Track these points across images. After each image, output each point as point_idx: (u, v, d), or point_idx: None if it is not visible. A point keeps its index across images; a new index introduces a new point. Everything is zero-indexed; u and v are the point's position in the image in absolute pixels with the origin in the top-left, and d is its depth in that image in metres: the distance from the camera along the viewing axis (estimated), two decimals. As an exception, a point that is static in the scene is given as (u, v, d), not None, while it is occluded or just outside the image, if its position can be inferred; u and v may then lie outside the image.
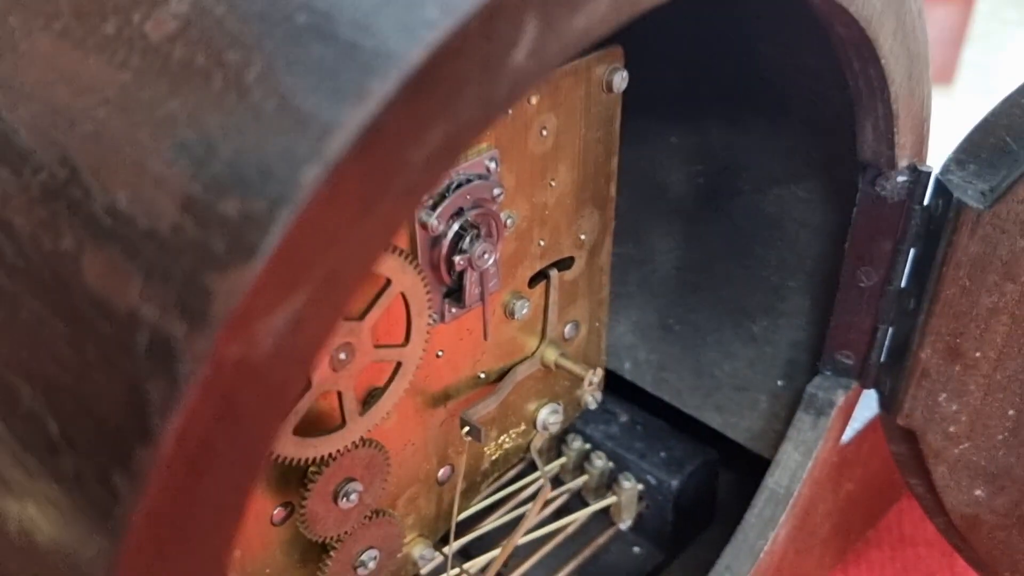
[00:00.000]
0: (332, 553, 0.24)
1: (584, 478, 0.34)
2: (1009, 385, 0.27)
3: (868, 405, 0.31)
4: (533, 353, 0.28)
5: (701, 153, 0.33)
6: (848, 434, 0.32)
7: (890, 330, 0.28)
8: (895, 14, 0.22)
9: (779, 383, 0.32)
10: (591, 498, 0.34)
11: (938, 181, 0.26)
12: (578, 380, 0.29)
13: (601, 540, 0.34)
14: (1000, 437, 0.28)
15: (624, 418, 0.36)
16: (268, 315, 0.12)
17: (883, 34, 0.22)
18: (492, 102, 0.13)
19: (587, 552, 0.33)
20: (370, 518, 0.24)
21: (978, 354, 0.27)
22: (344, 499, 0.23)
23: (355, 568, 0.24)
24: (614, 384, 0.36)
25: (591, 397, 0.32)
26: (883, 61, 0.22)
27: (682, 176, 0.33)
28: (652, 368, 0.36)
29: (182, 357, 0.12)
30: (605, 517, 0.34)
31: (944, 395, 0.28)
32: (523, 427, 0.30)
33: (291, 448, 0.21)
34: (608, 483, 0.34)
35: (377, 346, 0.22)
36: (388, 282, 0.21)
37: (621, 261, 0.36)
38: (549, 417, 0.30)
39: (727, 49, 0.30)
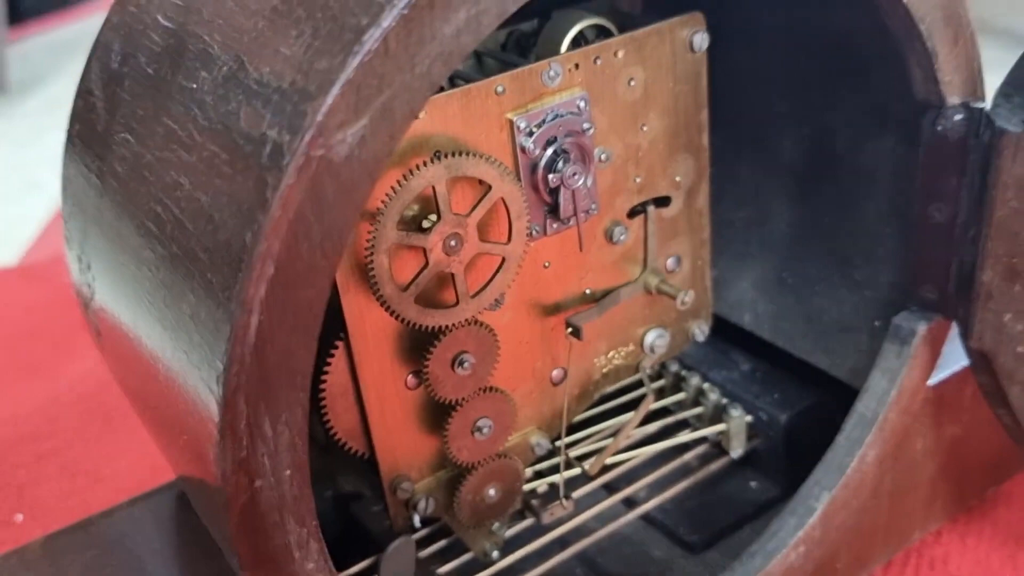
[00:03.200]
0: (453, 414, 0.30)
1: (699, 408, 0.38)
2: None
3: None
4: (636, 279, 0.33)
5: (804, 118, 0.37)
6: (944, 373, 0.35)
7: (959, 261, 0.31)
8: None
9: (876, 323, 0.35)
10: (706, 426, 0.38)
11: (986, 114, 0.29)
12: (678, 306, 0.34)
13: (714, 467, 0.38)
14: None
15: (746, 366, 0.40)
16: (341, 130, 0.19)
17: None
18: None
19: (700, 475, 0.38)
20: (485, 391, 0.30)
21: (1032, 272, 0.29)
22: (459, 367, 0.29)
23: (472, 432, 0.30)
24: (737, 336, 0.40)
25: (698, 329, 0.36)
26: (920, 27, 0.26)
27: (790, 141, 0.38)
28: (769, 318, 0.39)
29: (287, 154, 0.19)
30: (719, 450, 0.38)
31: (1009, 315, 0.30)
32: (631, 347, 0.35)
33: (414, 313, 0.27)
34: (720, 415, 0.38)
35: (483, 240, 0.28)
36: (489, 187, 0.27)
37: (744, 224, 0.40)
38: (656, 340, 0.35)
39: (815, 22, 0.34)
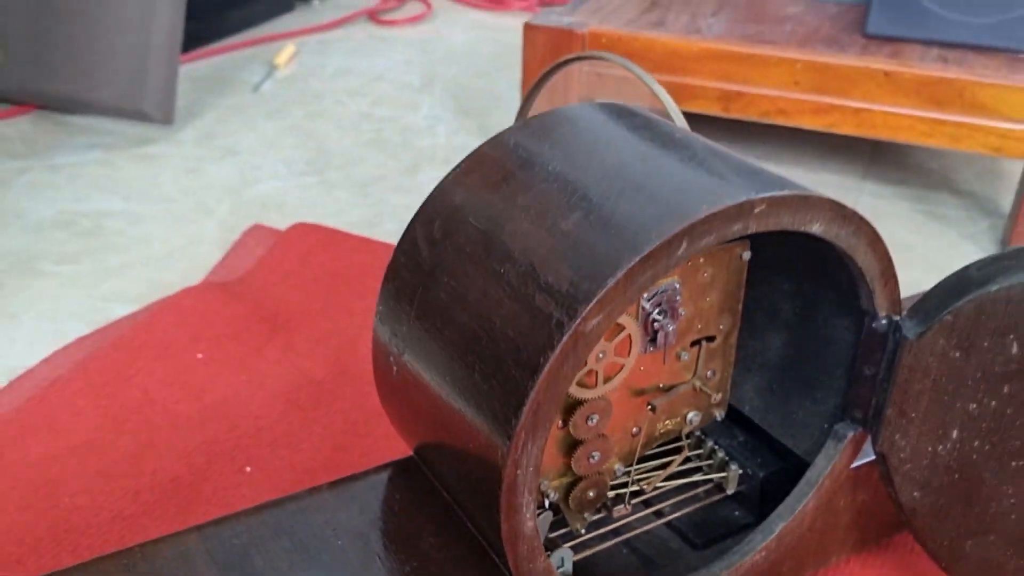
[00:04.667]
0: (580, 446, 0.53)
1: (710, 460, 0.61)
2: (930, 433, 0.52)
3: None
4: (688, 380, 0.57)
5: (798, 295, 0.60)
6: (861, 461, 0.58)
7: (876, 400, 0.54)
8: (867, 240, 0.49)
9: (825, 425, 0.59)
10: (714, 473, 0.61)
11: (899, 324, 0.52)
12: (709, 399, 0.57)
13: (715, 498, 0.61)
14: (925, 462, 0.53)
15: (741, 438, 0.63)
16: (590, 319, 0.42)
17: (857, 252, 0.49)
18: (669, 265, 0.43)
19: (706, 502, 0.61)
20: (599, 436, 0.53)
21: (913, 414, 0.52)
22: (589, 421, 0.52)
23: (587, 458, 0.53)
24: (739, 417, 0.64)
25: (717, 413, 0.59)
26: (859, 264, 0.50)
27: (787, 307, 0.61)
28: (760, 410, 0.63)
29: (567, 327, 0.42)
30: (719, 488, 0.61)
31: (897, 435, 0.53)
32: (678, 419, 0.58)
33: (574, 389, 0.51)
34: (722, 467, 0.61)
35: (616, 355, 0.51)
36: (622, 327, 0.51)
37: (752, 351, 0.63)
38: (693, 417, 0.58)
39: (811, 253, 0.57)
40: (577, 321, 0.42)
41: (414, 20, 1.75)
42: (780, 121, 1.07)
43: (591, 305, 0.42)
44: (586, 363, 0.49)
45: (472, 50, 1.63)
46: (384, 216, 1.07)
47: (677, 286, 0.53)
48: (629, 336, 0.51)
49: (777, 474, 0.61)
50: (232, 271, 0.93)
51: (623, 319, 0.50)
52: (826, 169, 1.24)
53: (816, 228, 0.47)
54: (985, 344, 0.49)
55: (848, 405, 0.56)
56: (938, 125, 1.01)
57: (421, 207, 0.52)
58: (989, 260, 0.49)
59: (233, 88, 1.42)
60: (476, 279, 0.47)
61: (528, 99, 0.75)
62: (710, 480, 0.61)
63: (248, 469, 0.68)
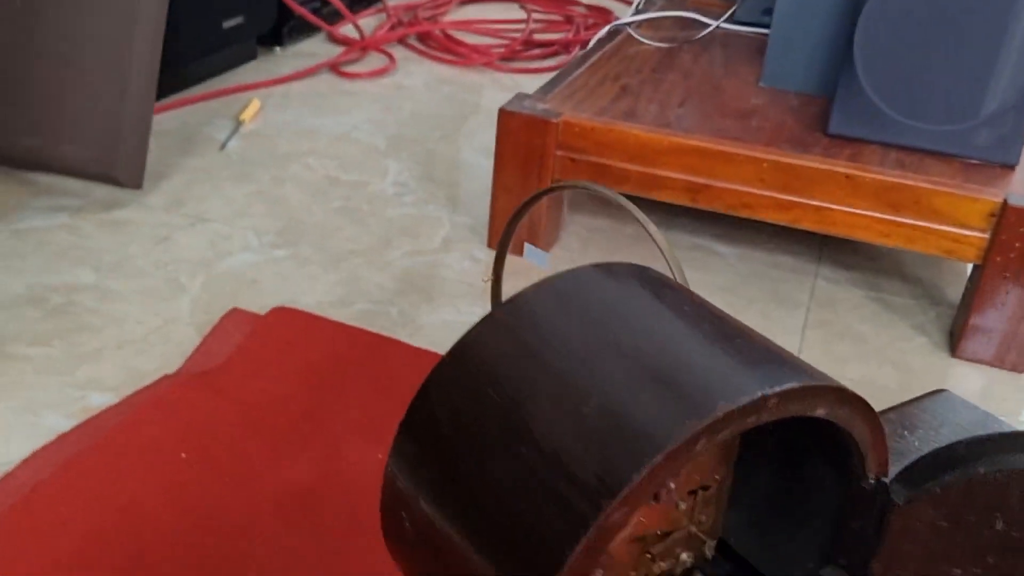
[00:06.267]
0: (584, 598, 0.55)
1: (699, 596, 0.64)
2: (913, 590, 0.56)
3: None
4: (684, 526, 0.59)
5: (785, 438, 0.63)
6: (843, 602, 0.61)
7: (862, 551, 0.57)
8: (862, 416, 0.53)
9: (810, 566, 0.62)
10: (701, 607, 0.64)
11: (887, 486, 0.55)
12: (703, 542, 0.60)
13: (702, 631, 0.64)
14: (907, 616, 0.57)
15: (728, 567, 0.66)
16: (612, 515, 0.44)
17: (855, 426, 0.52)
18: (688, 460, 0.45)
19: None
20: (601, 587, 0.55)
21: (899, 572, 0.56)
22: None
23: (591, 608, 0.56)
24: (725, 548, 0.66)
25: (708, 552, 0.62)
26: (855, 436, 0.53)
27: (774, 445, 0.64)
28: (745, 543, 0.66)
29: (588, 522, 0.44)
30: (707, 619, 0.64)
31: (881, 589, 0.57)
32: (673, 560, 0.60)
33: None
34: (711, 601, 0.64)
35: (622, 515, 0.54)
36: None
37: (738, 484, 0.66)
38: (686, 558, 0.61)
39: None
40: (601, 517, 0.44)
41: (377, 74, 1.76)
42: (745, 214, 1.11)
43: (615, 502, 0.44)
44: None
45: (436, 108, 1.65)
46: (358, 294, 1.08)
47: (681, 447, 0.55)
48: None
49: (760, 609, 0.64)
50: (211, 358, 0.93)
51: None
52: (782, 250, 1.28)
53: (820, 412, 0.50)
54: (971, 519, 0.52)
55: (837, 551, 0.59)
56: (894, 227, 1.06)
57: (437, 368, 0.54)
58: (978, 441, 0.52)
59: (199, 146, 1.41)
60: (499, 457, 0.49)
61: (507, 232, 0.78)
62: (698, 612, 0.64)
63: (245, 586, 0.69)
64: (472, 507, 0.49)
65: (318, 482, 0.78)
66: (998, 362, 1.07)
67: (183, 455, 0.79)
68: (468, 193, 1.35)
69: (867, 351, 1.09)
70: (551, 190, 0.76)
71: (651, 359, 0.49)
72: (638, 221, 0.67)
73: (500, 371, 0.51)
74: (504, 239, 0.79)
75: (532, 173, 1.15)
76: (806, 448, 0.62)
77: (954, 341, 1.10)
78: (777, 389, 0.47)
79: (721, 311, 0.56)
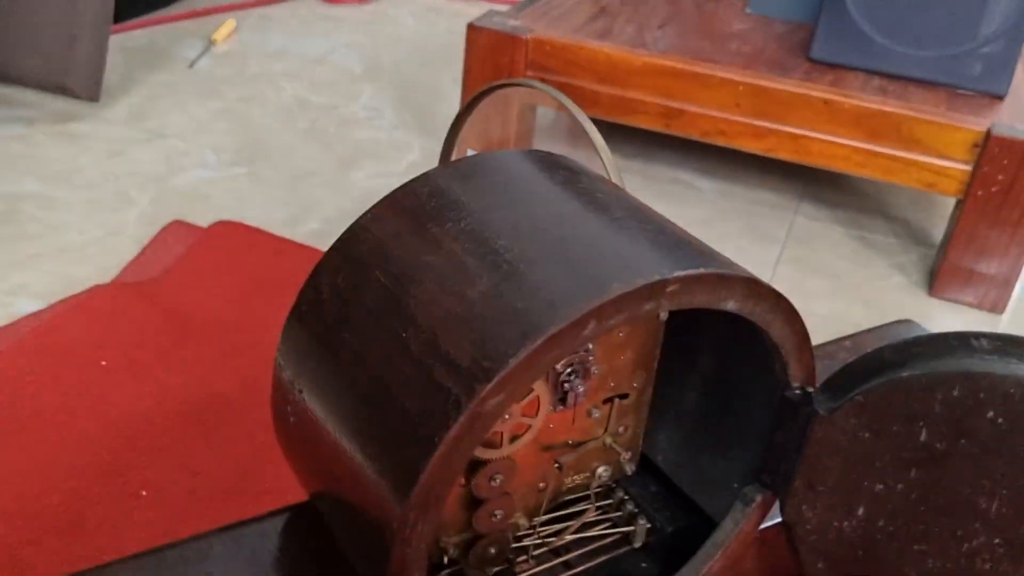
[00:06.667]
0: (482, 505, 0.51)
1: (619, 513, 0.60)
2: (836, 507, 0.52)
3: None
4: (599, 437, 0.55)
5: (716, 350, 0.59)
6: (768, 523, 0.57)
7: (785, 466, 0.54)
8: (783, 316, 0.48)
9: (735, 486, 0.58)
10: (622, 525, 0.60)
11: (811, 396, 0.51)
12: (619, 455, 0.56)
13: (622, 551, 0.60)
14: (831, 535, 0.53)
15: (652, 488, 0.62)
16: (488, 400, 0.40)
17: (773, 327, 0.48)
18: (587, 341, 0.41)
19: (613, 553, 0.60)
20: (503, 495, 0.52)
21: (820, 488, 0.52)
22: (493, 481, 0.50)
23: (490, 516, 0.52)
24: (650, 466, 0.63)
25: (628, 467, 0.58)
26: (775, 338, 0.49)
27: (706, 360, 0.60)
28: (673, 463, 0.62)
29: (464, 407, 0.40)
30: (627, 540, 0.60)
31: (804, 506, 0.53)
32: (588, 473, 0.57)
33: (478, 450, 0.49)
34: (631, 519, 0.60)
35: (523, 415, 0.50)
36: (532, 389, 0.49)
37: (668, 401, 0.62)
38: (602, 472, 0.57)
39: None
40: (475, 401, 0.40)
41: (363, 0, 1.71)
42: (720, 142, 1.06)
43: (490, 385, 0.40)
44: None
45: (420, 37, 1.60)
46: (310, 214, 1.04)
47: (590, 346, 0.51)
48: (538, 397, 0.50)
49: (687, 530, 0.60)
50: (147, 270, 0.89)
51: (537, 384, 0.48)
52: (764, 187, 1.23)
53: (731, 305, 0.46)
54: (895, 428, 0.48)
55: (759, 469, 0.55)
56: (873, 157, 1.01)
57: (328, 253, 0.50)
58: (903, 344, 0.48)
59: (167, 63, 1.37)
60: (379, 341, 0.45)
61: (457, 124, 0.73)
62: (618, 532, 0.60)
63: (144, 493, 0.66)
64: (348, 395, 0.45)
65: (241, 393, 0.74)
66: (976, 302, 1.02)
67: (103, 363, 0.76)
68: (441, 119, 1.30)
69: (840, 287, 1.05)
70: (492, 89, 0.71)
71: (549, 241, 0.45)
72: (575, 118, 0.63)
73: (390, 252, 0.47)
74: (448, 141, 0.75)
75: (498, 99, 1.10)
76: (737, 361, 0.58)
77: (932, 280, 1.05)
78: (678, 274, 0.43)
79: (640, 202, 0.51)
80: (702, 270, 0.44)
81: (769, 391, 0.55)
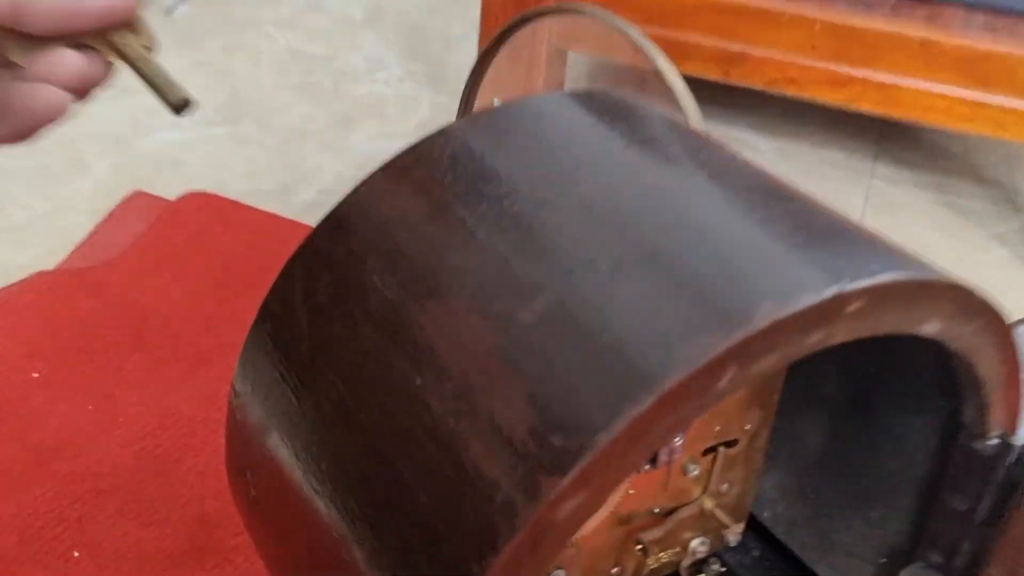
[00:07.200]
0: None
1: (714, 590, 0.44)
2: (1052, 611, 0.36)
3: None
4: (695, 499, 0.39)
5: (848, 369, 0.42)
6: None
7: (970, 545, 0.37)
8: (994, 340, 0.32)
9: (882, 560, 0.42)
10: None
11: (1020, 451, 0.35)
12: (723, 525, 0.40)
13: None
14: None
15: (756, 552, 0.46)
16: (563, 503, 0.24)
17: (981, 356, 0.32)
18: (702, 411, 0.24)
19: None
20: (563, 593, 0.36)
21: (1029, 582, 0.36)
22: (551, 578, 0.34)
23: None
24: (754, 523, 0.46)
25: (732, 537, 0.42)
26: (980, 373, 0.32)
27: (833, 384, 0.43)
28: (785, 521, 0.45)
29: (520, 514, 0.24)
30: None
31: (1000, 605, 0.36)
32: (678, 549, 0.40)
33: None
34: (731, 600, 0.44)
35: (594, 486, 0.33)
36: (611, 449, 0.33)
37: (779, 435, 0.46)
38: (698, 546, 0.41)
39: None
40: (541, 504, 0.23)
41: (362, -59, 1.53)
42: (790, 92, 0.89)
43: (567, 480, 0.23)
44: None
45: (427, -21, 1.42)
46: (303, 182, 0.88)
47: (693, 380, 0.35)
48: (618, 458, 0.33)
49: (803, 614, 0.44)
50: (101, 251, 0.73)
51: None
52: (831, 145, 1.06)
53: (930, 328, 0.29)
54: None
55: (925, 542, 0.39)
56: (980, 108, 0.84)
57: (303, 246, 0.34)
58: None
59: (142, 8, 1.19)
60: (378, 389, 0.28)
61: (479, 69, 0.57)
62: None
63: (76, 554, 0.50)
64: (335, 473, 0.29)
65: (207, 413, 0.58)
66: (1102, 281, 0.85)
67: (35, 375, 0.60)
68: (454, 71, 1.13)
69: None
70: (526, 19, 0.54)
71: (646, 232, 0.28)
72: (642, 51, 0.46)
73: (395, 247, 0.31)
74: (468, 88, 0.58)
75: (523, 45, 0.92)
76: (883, 387, 0.41)
77: (1045, 255, 0.88)
78: (863, 284, 0.26)
79: (768, 169, 0.34)
80: (896, 275, 0.27)
81: (936, 432, 0.39)
